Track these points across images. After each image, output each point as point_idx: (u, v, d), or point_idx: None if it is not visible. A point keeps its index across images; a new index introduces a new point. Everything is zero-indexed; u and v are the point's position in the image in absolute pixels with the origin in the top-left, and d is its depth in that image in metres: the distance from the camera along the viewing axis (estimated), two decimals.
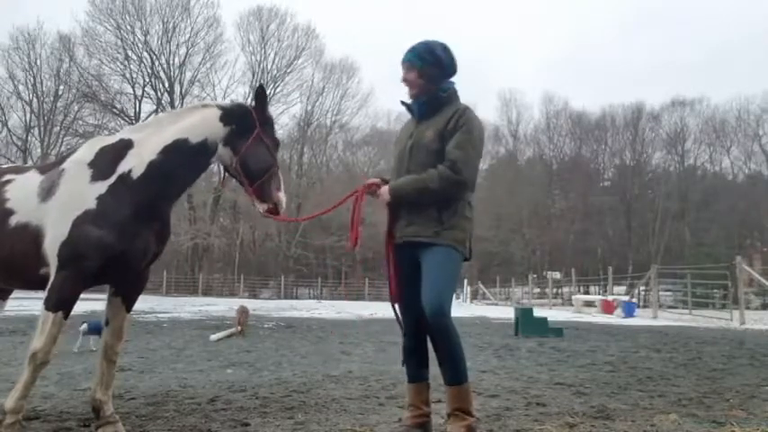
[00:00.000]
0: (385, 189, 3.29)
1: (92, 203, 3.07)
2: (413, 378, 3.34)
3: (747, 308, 20.30)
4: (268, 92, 4.07)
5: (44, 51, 42.09)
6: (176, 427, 3.56)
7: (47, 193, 3.18)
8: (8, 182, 3.37)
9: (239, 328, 10.44)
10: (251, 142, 3.35)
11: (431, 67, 3.32)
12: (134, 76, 42.62)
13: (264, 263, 48.67)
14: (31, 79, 41.81)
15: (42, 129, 41.72)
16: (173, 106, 42.07)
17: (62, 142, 42.21)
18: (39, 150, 41.67)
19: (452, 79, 3.40)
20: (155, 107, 42.93)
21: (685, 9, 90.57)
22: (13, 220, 3.20)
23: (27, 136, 42.50)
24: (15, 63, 41.67)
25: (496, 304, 34.51)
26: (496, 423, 3.73)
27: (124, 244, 3.08)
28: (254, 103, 3.45)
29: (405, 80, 3.39)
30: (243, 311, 10.89)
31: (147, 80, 42.78)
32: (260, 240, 47.57)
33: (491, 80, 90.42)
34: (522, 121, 57.06)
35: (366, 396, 4.67)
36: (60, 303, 3.03)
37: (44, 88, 42.01)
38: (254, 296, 39.68)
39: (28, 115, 42.47)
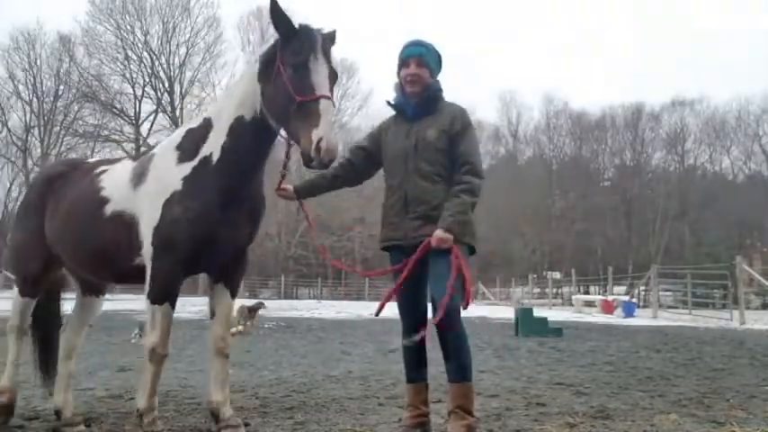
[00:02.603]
0: (439, 233, 3.07)
1: (178, 185, 3.00)
2: (412, 378, 3.35)
3: (747, 308, 20.25)
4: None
5: (44, 51, 42.13)
6: (176, 427, 3.56)
7: (138, 179, 3.13)
8: (103, 171, 3.36)
9: (240, 327, 10.45)
10: (271, 84, 2.82)
11: (438, 69, 3.41)
12: (134, 76, 42.59)
13: (264, 263, 48.54)
14: (31, 79, 41.83)
15: (42, 129, 41.71)
16: (173, 106, 42.07)
17: (62, 142, 42.22)
18: (39, 150, 41.65)
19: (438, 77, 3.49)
20: (155, 107, 42.94)
21: (686, 9, 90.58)
22: (109, 209, 3.17)
23: (27, 136, 42.49)
24: (15, 63, 41.72)
25: (496, 304, 34.50)
26: (496, 423, 3.73)
27: (212, 226, 2.97)
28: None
29: (414, 74, 3.30)
30: (243, 311, 10.89)
31: (147, 80, 42.73)
32: (260, 240, 47.48)
33: (491, 80, 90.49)
34: (522, 121, 57.06)
35: (366, 396, 4.67)
36: (165, 294, 2.99)
37: (44, 88, 42.04)
38: (254, 296, 39.61)
39: (28, 115, 42.50)
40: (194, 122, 3.28)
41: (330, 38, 2.95)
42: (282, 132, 2.97)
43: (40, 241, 3.47)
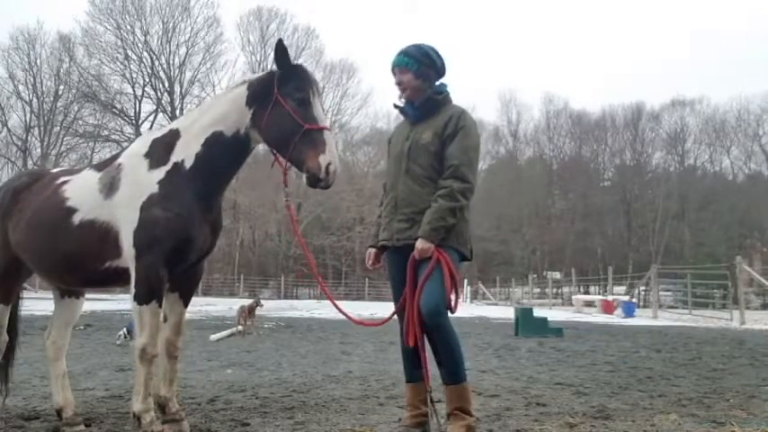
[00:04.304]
0: (419, 244, 3.11)
1: (154, 188, 3.12)
2: (411, 378, 3.36)
3: (747, 308, 20.29)
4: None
5: (44, 51, 42.11)
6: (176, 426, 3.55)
7: (109, 188, 3.22)
8: (65, 182, 3.44)
9: (240, 327, 10.46)
10: (268, 112, 3.09)
11: (427, 69, 3.37)
12: (134, 76, 42.59)
13: (264, 263, 48.57)
14: (31, 79, 41.80)
15: (42, 129, 41.69)
16: (172, 106, 42.07)
17: (62, 142, 42.22)
18: (39, 150, 41.64)
19: (444, 80, 3.45)
20: (155, 107, 42.95)
21: (685, 8, 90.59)
22: (77, 218, 3.25)
23: (27, 136, 42.48)
24: (15, 63, 41.69)
25: (496, 304, 34.50)
26: (496, 423, 3.73)
27: (189, 226, 3.10)
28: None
29: (399, 83, 3.39)
30: (245, 311, 10.90)
31: (147, 80, 42.75)
32: (260, 240, 47.51)
33: (491, 80, 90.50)
34: (522, 121, 56.97)
35: (366, 396, 4.67)
36: (151, 293, 3.06)
37: (44, 88, 42.01)
38: (254, 296, 39.65)
39: (28, 115, 42.47)
40: (158, 132, 3.40)
41: None
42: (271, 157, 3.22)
43: (8, 250, 3.53)
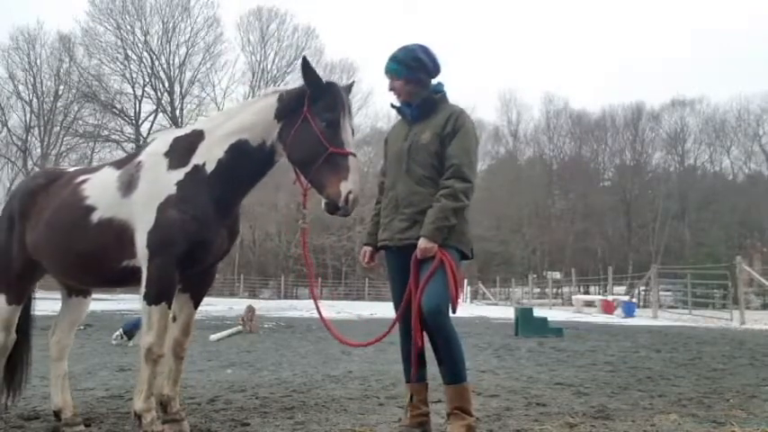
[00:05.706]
0: (422, 243, 3.10)
1: (172, 189, 3.09)
2: (411, 378, 3.35)
3: (747, 308, 20.27)
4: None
5: (44, 51, 42.08)
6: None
7: (128, 186, 3.20)
8: (84, 180, 3.42)
9: (239, 327, 10.48)
10: (296, 129, 3.05)
11: (417, 72, 3.35)
12: (134, 76, 42.53)
13: (264, 263, 48.57)
14: (31, 79, 41.77)
15: (42, 129, 41.67)
16: (172, 106, 42.06)
17: (62, 142, 42.18)
18: (39, 150, 41.61)
19: (440, 79, 3.45)
20: (155, 107, 42.92)
21: (686, 7, 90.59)
22: (96, 216, 3.24)
23: (27, 136, 42.44)
24: (15, 63, 41.65)
25: (496, 304, 34.49)
26: (496, 423, 3.73)
27: (205, 229, 3.08)
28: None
29: (392, 89, 3.41)
30: (251, 311, 10.98)
31: (147, 80, 42.68)
32: (260, 240, 47.50)
33: (491, 80, 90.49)
34: (522, 121, 56.96)
35: (366, 396, 4.67)
36: (161, 294, 3.05)
37: (44, 88, 41.97)
38: (254, 296, 39.67)
39: (28, 115, 42.44)
40: (180, 131, 3.38)
41: (348, 91, 3.21)
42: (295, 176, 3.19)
43: (24, 251, 3.52)
